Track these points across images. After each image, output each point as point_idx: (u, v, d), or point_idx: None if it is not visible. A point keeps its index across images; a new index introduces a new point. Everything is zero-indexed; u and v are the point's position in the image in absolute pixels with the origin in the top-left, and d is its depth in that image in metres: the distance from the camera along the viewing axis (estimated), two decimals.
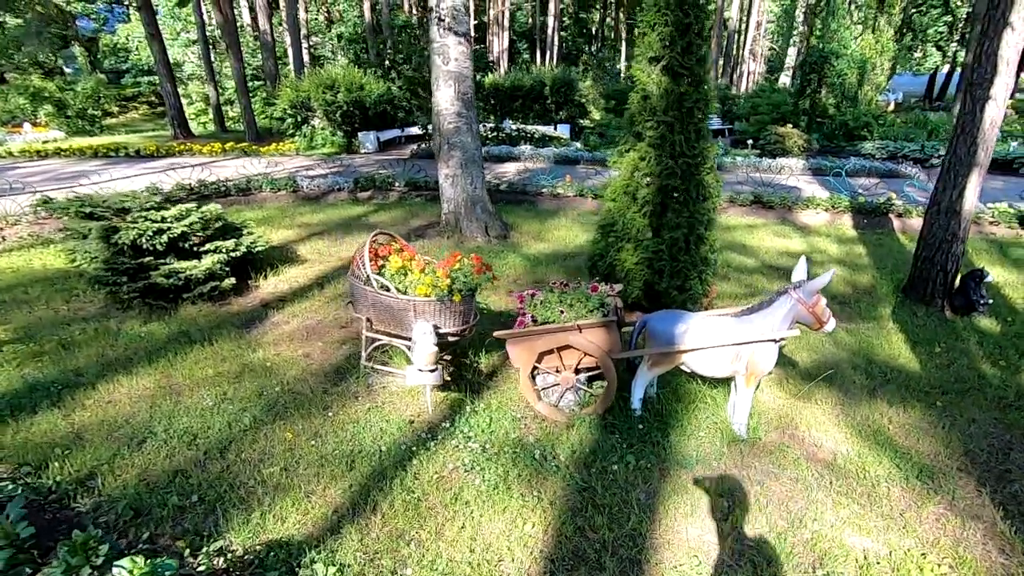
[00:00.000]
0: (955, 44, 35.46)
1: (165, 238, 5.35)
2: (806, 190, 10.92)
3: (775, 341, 3.25)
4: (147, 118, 32.55)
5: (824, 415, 3.76)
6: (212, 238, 5.78)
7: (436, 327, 3.77)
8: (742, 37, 35.00)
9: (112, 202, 5.83)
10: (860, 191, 10.35)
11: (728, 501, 2.95)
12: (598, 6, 43.75)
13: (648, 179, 4.82)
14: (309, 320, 5.20)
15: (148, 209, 5.65)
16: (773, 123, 18.66)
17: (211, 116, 24.74)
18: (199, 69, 28.31)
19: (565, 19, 40.21)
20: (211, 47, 23.42)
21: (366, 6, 26.09)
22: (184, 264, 5.42)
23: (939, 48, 35.55)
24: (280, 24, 28.22)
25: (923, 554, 2.65)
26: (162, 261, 5.41)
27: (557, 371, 3.59)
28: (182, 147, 15.46)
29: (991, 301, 5.50)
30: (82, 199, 5.76)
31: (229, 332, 4.89)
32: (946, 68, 36.39)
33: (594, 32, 44.96)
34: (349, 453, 3.27)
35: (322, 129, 17.36)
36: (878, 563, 2.59)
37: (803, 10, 31.81)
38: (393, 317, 3.91)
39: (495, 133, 16.97)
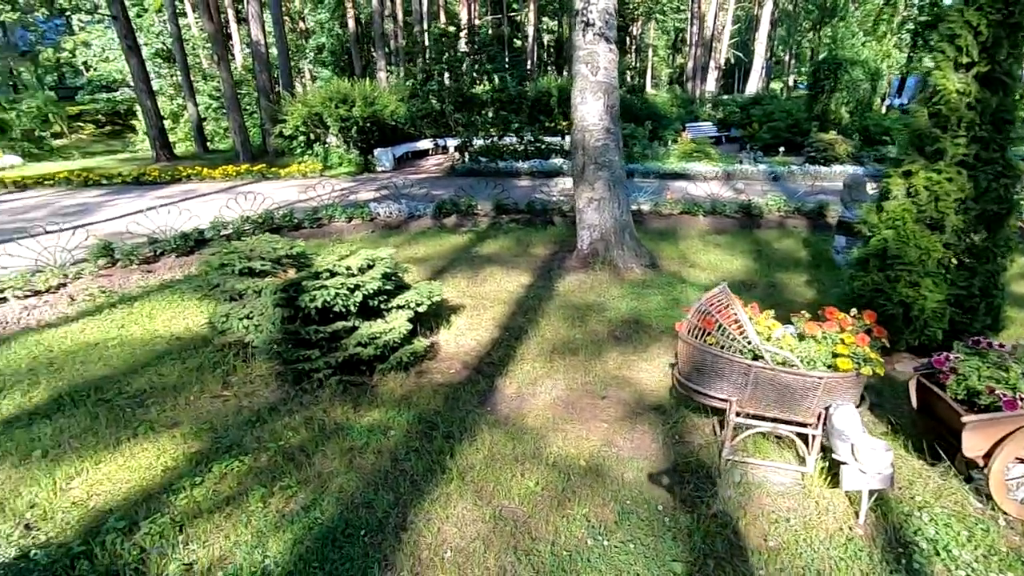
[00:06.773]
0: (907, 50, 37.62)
1: (359, 296, 4.23)
2: None
3: None
4: (96, 139, 29.68)
5: None
6: (395, 292, 4.69)
7: None
8: (712, 45, 35.70)
9: (263, 251, 4.65)
10: None
11: None
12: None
13: (959, 204, 4.16)
14: (555, 391, 4.20)
15: (308, 258, 4.52)
16: (787, 130, 18.84)
17: (187, 134, 22.64)
18: (165, 84, 26.04)
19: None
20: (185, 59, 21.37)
21: (350, 15, 24.78)
22: (377, 327, 4.32)
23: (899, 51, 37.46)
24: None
25: None
26: (349, 325, 4.29)
27: None
28: (189, 171, 13.72)
29: None
30: (237, 250, 4.54)
31: (475, 415, 3.85)
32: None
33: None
34: None
35: (336, 147, 16.00)
36: None
37: (771, 18, 32.70)
38: (781, 398, 3.03)
39: (528, 146, 15.99)
